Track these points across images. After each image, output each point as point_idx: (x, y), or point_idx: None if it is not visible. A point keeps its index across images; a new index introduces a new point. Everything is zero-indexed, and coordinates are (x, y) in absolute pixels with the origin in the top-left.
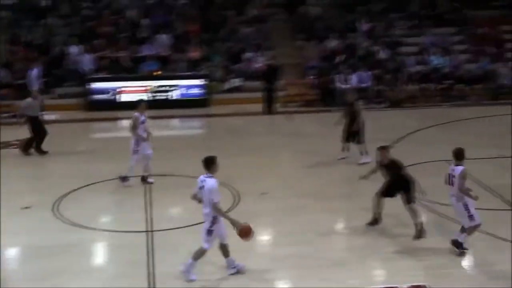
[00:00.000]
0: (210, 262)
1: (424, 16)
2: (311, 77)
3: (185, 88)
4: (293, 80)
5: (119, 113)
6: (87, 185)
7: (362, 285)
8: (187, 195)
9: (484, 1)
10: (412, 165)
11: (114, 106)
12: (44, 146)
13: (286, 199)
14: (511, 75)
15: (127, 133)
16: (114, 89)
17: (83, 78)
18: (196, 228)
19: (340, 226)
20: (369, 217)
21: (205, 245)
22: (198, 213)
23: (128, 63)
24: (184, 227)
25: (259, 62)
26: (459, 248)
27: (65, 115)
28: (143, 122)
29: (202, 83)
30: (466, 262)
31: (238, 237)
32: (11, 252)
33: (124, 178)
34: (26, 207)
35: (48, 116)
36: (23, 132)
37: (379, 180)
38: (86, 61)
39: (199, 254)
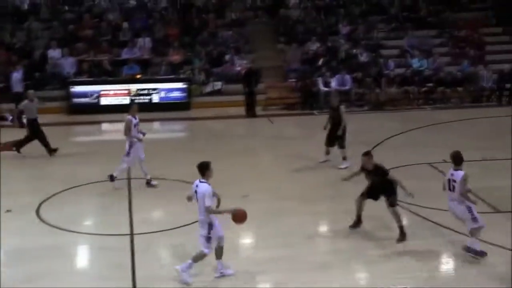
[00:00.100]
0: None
1: (404, 18)
2: (292, 80)
3: (166, 92)
4: (274, 83)
5: (100, 116)
6: (70, 188)
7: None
8: (169, 198)
9: (464, 3)
10: (394, 168)
11: (95, 109)
12: (26, 149)
13: (268, 202)
14: (492, 77)
15: (109, 136)
16: (95, 93)
17: (64, 82)
18: (179, 231)
19: (323, 229)
20: (351, 220)
21: (206, 251)
22: (181, 217)
23: (109, 67)
24: (167, 230)
25: (240, 66)
26: (471, 252)
27: (47, 118)
28: (136, 125)
29: (183, 86)
30: (450, 265)
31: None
32: None
33: (112, 177)
34: (8, 210)
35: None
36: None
37: (362, 183)
38: (67, 64)
39: (199, 257)
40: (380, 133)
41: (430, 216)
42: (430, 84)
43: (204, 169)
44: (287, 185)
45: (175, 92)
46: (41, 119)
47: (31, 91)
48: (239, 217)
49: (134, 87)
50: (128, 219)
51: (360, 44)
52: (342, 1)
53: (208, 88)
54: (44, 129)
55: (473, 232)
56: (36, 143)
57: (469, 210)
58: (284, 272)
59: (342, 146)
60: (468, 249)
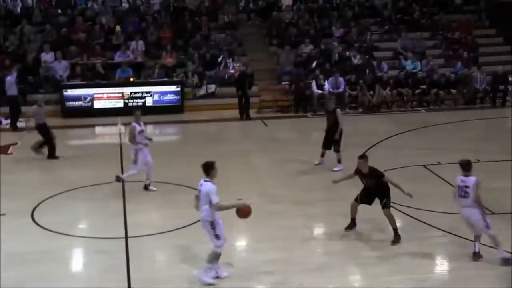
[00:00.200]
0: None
1: (398, 20)
2: (286, 83)
3: (159, 95)
4: (267, 86)
5: (94, 120)
6: (64, 191)
7: None
8: (163, 201)
9: (457, 5)
10: (388, 170)
11: (89, 112)
12: (21, 152)
13: (262, 205)
14: (486, 79)
15: (103, 139)
16: (88, 96)
17: (58, 85)
18: (174, 234)
19: (318, 231)
20: (346, 222)
21: (218, 250)
22: (175, 219)
23: (102, 70)
24: (162, 233)
25: (233, 68)
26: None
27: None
28: (141, 131)
29: (176, 89)
30: (446, 266)
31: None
32: None
33: (119, 179)
34: (2, 214)
35: (25, 123)
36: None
37: (356, 185)
38: (60, 68)
39: (214, 257)
40: (374, 135)
41: (425, 218)
42: (424, 86)
43: (209, 168)
44: (281, 188)
45: (168, 95)
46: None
47: (40, 96)
48: (243, 212)
49: (127, 90)
50: (123, 222)
51: (354, 46)
52: (335, 3)
53: (202, 91)
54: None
55: (493, 239)
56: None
57: (483, 216)
58: (280, 274)
59: (337, 150)
60: (505, 262)
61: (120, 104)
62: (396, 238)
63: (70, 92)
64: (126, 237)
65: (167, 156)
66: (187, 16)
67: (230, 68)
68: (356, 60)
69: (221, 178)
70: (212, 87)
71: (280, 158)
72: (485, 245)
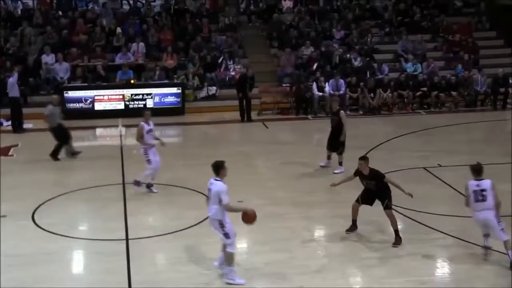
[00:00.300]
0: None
1: (398, 23)
2: (286, 85)
3: (160, 96)
4: (268, 88)
5: (95, 122)
6: (65, 193)
7: None
8: (164, 203)
9: (458, 8)
10: (389, 172)
11: (89, 114)
12: (22, 154)
13: (263, 207)
14: (486, 81)
15: (104, 141)
16: (89, 98)
17: (58, 87)
18: (174, 235)
19: (318, 233)
20: (347, 224)
21: (230, 249)
22: (176, 221)
23: (103, 72)
24: (163, 235)
25: (234, 70)
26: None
27: (41, 123)
28: (150, 131)
29: (177, 91)
30: (446, 269)
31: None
32: None
33: (138, 183)
34: (3, 216)
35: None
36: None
37: (356, 188)
38: (61, 69)
39: (229, 259)
40: (374, 137)
41: (425, 220)
42: (424, 89)
43: (218, 168)
44: (282, 190)
45: (169, 97)
46: (36, 124)
47: (55, 96)
48: (248, 217)
49: (128, 92)
50: (124, 224)
51: (354, 48)
52: (336, 5)
53: (203, 93)
54: (39, 134)
55: (507, 245)
56: (27, 149)
57: (498, 220)
58: (280, 276)
59: (340, 152)
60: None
61: (121, 106)
62: (397, 240)
63: (71, 94)
64: (127, 239)
65: (167, 158)
66: (187, 18)
67: (231, 70)
68: (356, 63)
69: None
70: (213, 89)
71: (280, 160)
72: (485, 247)
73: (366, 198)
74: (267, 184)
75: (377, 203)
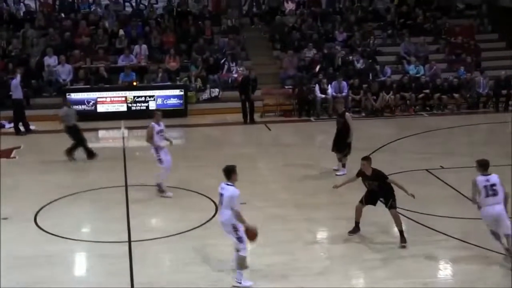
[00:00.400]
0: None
1: (401, 25)
2: (289, 87)
3: (162, 98)
4: (270, 90)
5: (97, 124)
6: (67, 195)
7: None
8: (167, 205)
9: (460, 10)
10: (392, 174)
11: (92, 116)
12: (24, 156)
13: (266, 209)
14: (488, 83)
15: (106, 143)
16: (92, 100)
17: (61, 89)
18: (177, 238)
19: (321, 235)
20: (349, 226)
21: (243, 253)
22: (179, 223)
23: (106, 74)
24: (165, 237)
25: (236, 72)
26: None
27: (44, 125)
28: (161, 131)
29: (179, 93)
30: (448, 270)
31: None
32: None
33: (159, 185)
34: (5, 218)
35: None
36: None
37: (359, 190)
38: (64, 71)
39: (241, 262)
40: (377, 139)
41: (428, 222)
42: (427, 91)
43: (230, 172)
44: (284, 192)
45: (171, 99)
46: (39, 126)
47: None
48: (249, 235)
49: (130, 94)
50: (126, 226)
51: (357, 50)
52: (339, 8)
53: (205, 95)
54: (41, 136)
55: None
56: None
57: (506, 214)
58: (282, 278)
59: (346, 154)
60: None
61: (123, 108)
62: (403, 240)
63: (74, 96)
64: (130, 241)
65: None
66: (190, 20)
67: (233, 72)
68: (359, 65)
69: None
70: (215, 91)
71: (283, 162)
72: (485, 248)
73: (369, 199)
74: (270, 186)
75: (380, 204)
